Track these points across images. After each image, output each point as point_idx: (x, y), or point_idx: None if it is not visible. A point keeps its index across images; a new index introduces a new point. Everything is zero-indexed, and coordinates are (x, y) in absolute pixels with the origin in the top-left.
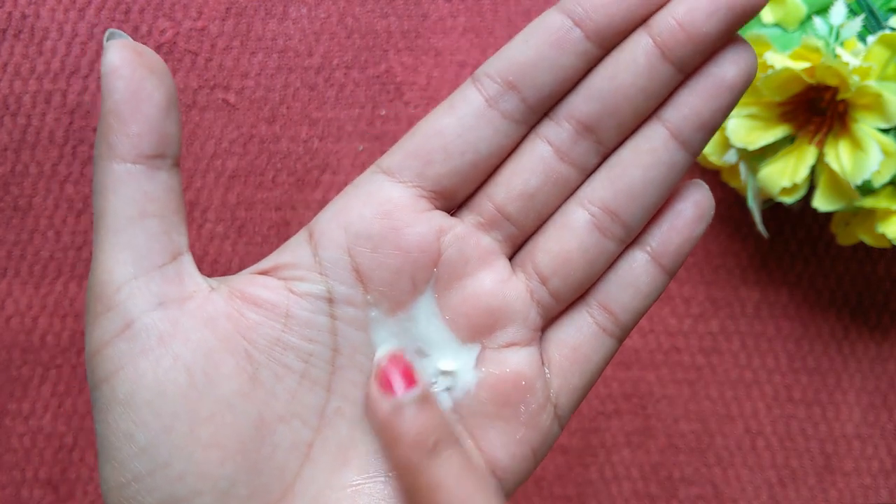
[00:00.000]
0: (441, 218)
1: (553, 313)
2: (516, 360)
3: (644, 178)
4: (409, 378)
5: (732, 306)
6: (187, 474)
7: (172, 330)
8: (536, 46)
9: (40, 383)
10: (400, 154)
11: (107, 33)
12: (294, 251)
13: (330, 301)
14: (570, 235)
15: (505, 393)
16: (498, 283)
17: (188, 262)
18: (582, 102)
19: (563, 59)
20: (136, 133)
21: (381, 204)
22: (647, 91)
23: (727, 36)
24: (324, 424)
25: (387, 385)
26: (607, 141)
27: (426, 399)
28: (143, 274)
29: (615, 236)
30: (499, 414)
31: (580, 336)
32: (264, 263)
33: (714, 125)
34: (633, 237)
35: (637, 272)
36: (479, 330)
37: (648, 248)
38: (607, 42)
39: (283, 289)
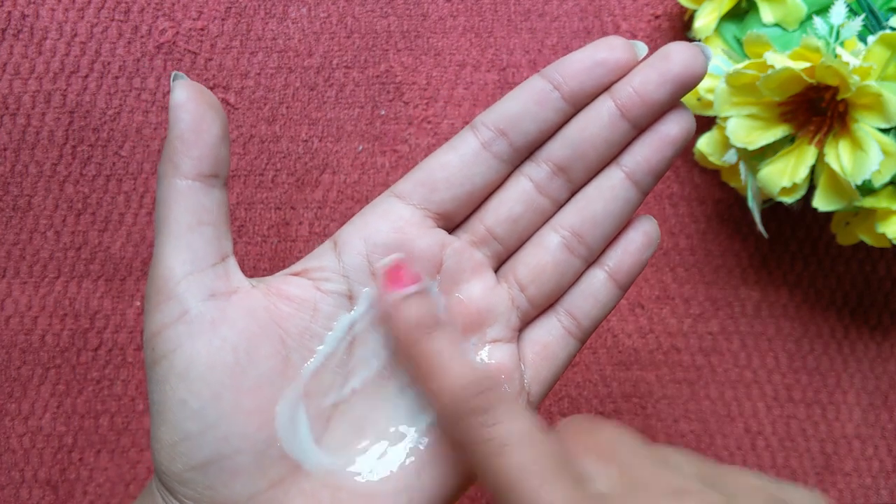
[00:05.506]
0: (443, 235)
1: (529, 317)
2: (499, 355)
3: (605, 209)
4: (413, 277)
5: (732, 306)
6: (231, 435)
7: (221, 317)
8: (523, 103)
9: (40, 383)
10: (410, 182)
11: (173, 74)
12: (321, 257)
13: (350, 298)
14: (545, 253)
15: None
16: (486, 290)
17: (233, 264)
18: (557, 148)
19: (544, 114)
20: (197, 156)
21: (395, 221)
22: (609, 141)
23: (673, 102)
24: (341, 400)
25: (395, 281)
26: (577, 179)
27: (425, 292)
28: (198, 271)
29: (580, 255)
30: None
31: (550, 337)
32: (295, 267)
33: (661, 171)
34: (594, 257)
35: (597, 286)
36: (470, 327)
37: (606, 267)
38: (579, 102)
39: (312, 287)
